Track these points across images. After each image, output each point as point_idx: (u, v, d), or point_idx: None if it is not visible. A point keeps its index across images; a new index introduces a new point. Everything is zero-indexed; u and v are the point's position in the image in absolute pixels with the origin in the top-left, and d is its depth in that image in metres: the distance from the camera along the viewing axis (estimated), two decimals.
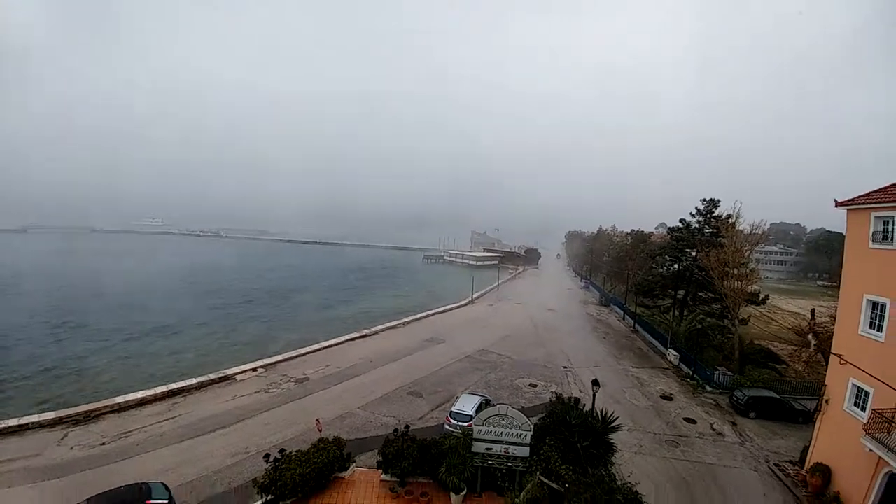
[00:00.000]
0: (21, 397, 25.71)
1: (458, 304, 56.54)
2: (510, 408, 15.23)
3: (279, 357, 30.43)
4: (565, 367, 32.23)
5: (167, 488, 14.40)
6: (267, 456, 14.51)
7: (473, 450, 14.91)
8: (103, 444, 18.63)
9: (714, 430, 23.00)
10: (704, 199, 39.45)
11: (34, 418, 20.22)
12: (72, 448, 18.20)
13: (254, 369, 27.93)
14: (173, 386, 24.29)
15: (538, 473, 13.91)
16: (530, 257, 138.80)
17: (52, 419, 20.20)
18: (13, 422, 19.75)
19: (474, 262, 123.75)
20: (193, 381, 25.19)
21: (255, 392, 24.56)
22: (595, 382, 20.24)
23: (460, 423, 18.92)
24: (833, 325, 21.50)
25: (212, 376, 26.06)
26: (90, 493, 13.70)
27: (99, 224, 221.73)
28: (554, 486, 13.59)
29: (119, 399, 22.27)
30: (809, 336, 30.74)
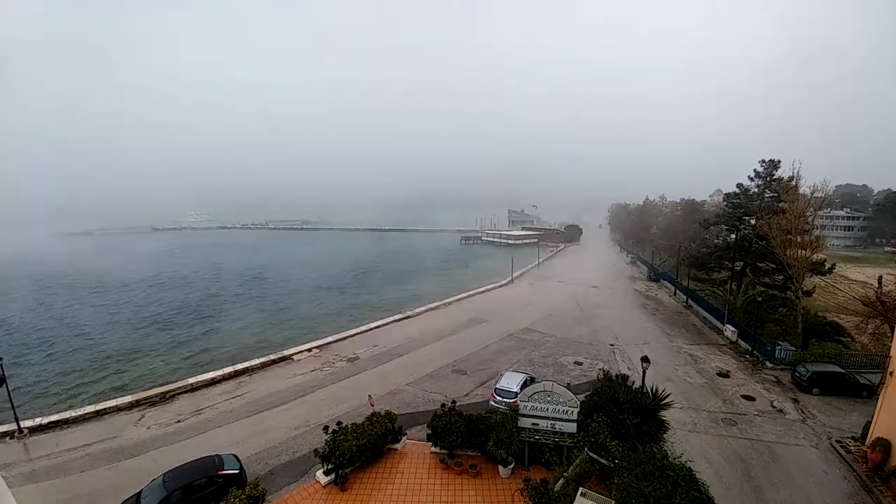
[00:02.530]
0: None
1: (499, 284, 56.44)
2: (556, 384, 15.25)
3: (330, 338, 32.18)
4: (612, 345, 31.60)
5: (238, 459, 15.54)
6: (326, 428, 15.39)
7: (520, 425, 15.14)
8: (178, 421, 20.15)
9: (774, 407, 21.90)
10: (763, 161, 36.48)
11: (111, 403, 21.43)
12: (148, 427, 19.61)
13: (309, 350, 29.72)
14: (239, 366, 26.39)
15: (586, 449, 13.96)
16: (571, 234, 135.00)
17: (129, 402, 21.60)
18: (89, 408, 20.84)
19: (512, 241, 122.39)
20: (256, 361, 27.26)
21: (312, 371, 26.17)
22: (645, 359, 19.77)
23: (506, 400, 19.27)
24: None
25: (272, 356, 28.08)
26: (168, 467, 14.65)
27: (154, 223, 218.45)
28: (603, 461, 13.62)
29: (192, 380, 24.45)
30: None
